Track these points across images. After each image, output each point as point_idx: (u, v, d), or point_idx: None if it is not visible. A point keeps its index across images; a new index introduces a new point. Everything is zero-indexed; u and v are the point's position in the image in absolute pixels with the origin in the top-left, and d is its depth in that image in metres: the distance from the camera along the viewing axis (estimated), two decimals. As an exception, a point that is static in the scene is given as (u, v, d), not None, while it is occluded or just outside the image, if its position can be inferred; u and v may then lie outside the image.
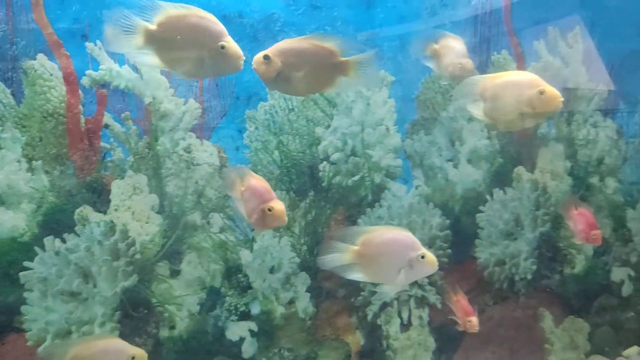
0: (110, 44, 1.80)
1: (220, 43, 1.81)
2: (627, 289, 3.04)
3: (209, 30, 1.82)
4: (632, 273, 3.05)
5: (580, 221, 2.62)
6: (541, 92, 2.08)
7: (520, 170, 3.11)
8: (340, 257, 1.94)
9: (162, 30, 1.79)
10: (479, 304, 3.03)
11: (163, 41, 1.80)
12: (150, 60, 1.85)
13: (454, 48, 2.55)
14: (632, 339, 3.07)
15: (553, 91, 2.09)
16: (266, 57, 1.89)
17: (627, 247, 3.09)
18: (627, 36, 3.51)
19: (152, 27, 1.79)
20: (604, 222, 3.09)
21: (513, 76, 2.25)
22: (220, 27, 1.83)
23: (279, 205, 2.02)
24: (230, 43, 1.82)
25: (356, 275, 1.95)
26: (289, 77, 1.92)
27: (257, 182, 2.09)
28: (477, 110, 2.21)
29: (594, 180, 3.17)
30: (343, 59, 1.95)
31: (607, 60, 3.25)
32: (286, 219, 2.05)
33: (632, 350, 3.03)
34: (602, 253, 3.10)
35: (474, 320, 2.54)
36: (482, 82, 2.20)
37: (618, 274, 3.06)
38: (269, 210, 2.00)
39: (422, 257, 1.89)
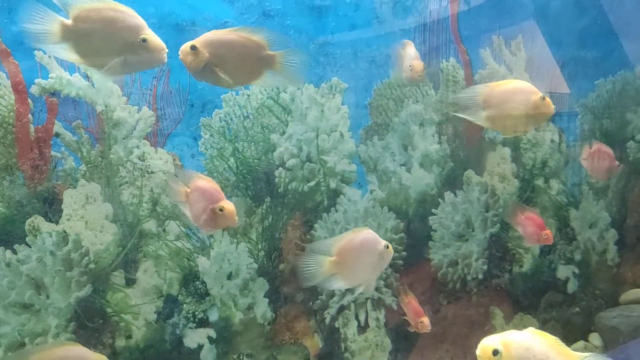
0: (29, 39, 1.74)
1: (141, 36, 1.77)
2: (572, 286, 3.17)
3: (127, 23, 1.77)
4: (577, 270, 3.17)
5: (528, 224, 2.71)
6: (543, 98, 2.24)
7: (470, 173, 3.21)
8: (321, 270, 1.99)
9: (77, 24, 1.74)
10: (433, 304, 3.11)
11: (79, 36, 1.75)
12: (67, 55, 1.79)
13: (408, 52, 2.65)
14: (578, 333, 3.20)
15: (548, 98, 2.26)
16: (193, 47, 1.87)
17: (571, 245, 3.23)
18: (567, 44, 3.68)
19: (68, 21, 1.74)
20: (549, 222, 3.23)
21: (515, 84, 2.36)
22: (139, 20, 1.79)
23: (229, 205, 2.03)
24: (151, 36, 1.78)
25: (338, 285, 2.03)
26: (216, 68, 1.91)
27: (206, 182, 2.09)
28: (479, 118, 2.31)
29: (539, 182, 3.31)
30: (270, 52, 1.95)
31: (548, 67, 3.40)
32: (237, 219, 2.05)
33: (579, 344, 3.15)
34: (548, 252, 3.22)
35: (426, 320, 2.58)
36: (485, 90, 2.29)
37: (563, 271, 3.18)
38: (220, 210, 2.01)
39: (387, 247, 2.01)
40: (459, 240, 3.09)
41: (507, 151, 3.28)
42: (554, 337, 1.55)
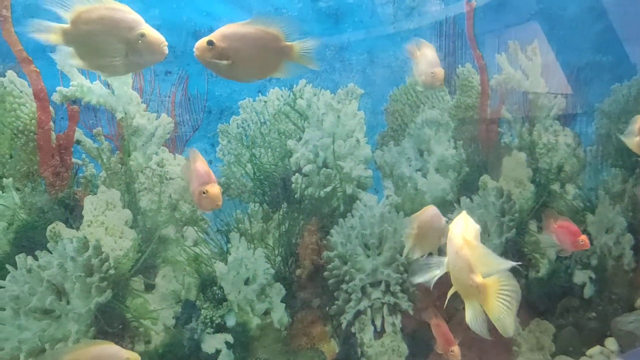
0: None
1: (138, 31, 1.77)
2: (588, 291, 3.15)
3: (124, 20, 1.77)
4: (593, 275, 3.16)
5: (563, 232, 2.69)
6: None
7: (485, 178, 3.21)
8: (409, 242, 2.47)
9: (76, 27, 1.75)
10: (449, 309, 3.09)
11: (79, 38, 1.76)
12: (72, 61, 1.81)
13: (427, 56, 2.63)
14: (595, 338, 3.18)
15: None
16: (210, 42, 1.87)
17: (588, 250, 3.21)
18: (582, 49, 3.67)
19: (67, 26, 1.75)
20: (565, 227, 3.21)
21: None
22: (135, 15, 1.79)
23: (214, 189, 2.09)
24: (149, 30, 1.79)
25: (416, 254, 2.44)
26: (234, 62, 1.90)
27: (200, 164, 2.15)
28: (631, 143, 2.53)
29: (555, 186, 3.29)
30: (287, 43, 1.95)
31: (564, 72, 3.39)
32: (220, 203, 2.12)
33: (595, 349, 3.14)
34: (565, 257, 3.20)
35: (456, 350, 2.51)
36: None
37: (580, 276, 3.17)
38: (204, 193, 2.07)
39: (447, 222, 2.33)
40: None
41: (522, 156, 3.27)
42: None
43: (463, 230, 1.69)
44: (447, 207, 3.16)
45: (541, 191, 3.28)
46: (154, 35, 1.79)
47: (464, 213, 1.79)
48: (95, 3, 1.76)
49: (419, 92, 3.38)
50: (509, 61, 3.29)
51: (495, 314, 1.62)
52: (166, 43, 1.83)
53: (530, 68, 3.31)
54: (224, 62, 1.90)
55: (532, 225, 3.24)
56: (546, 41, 3.34)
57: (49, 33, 1.74)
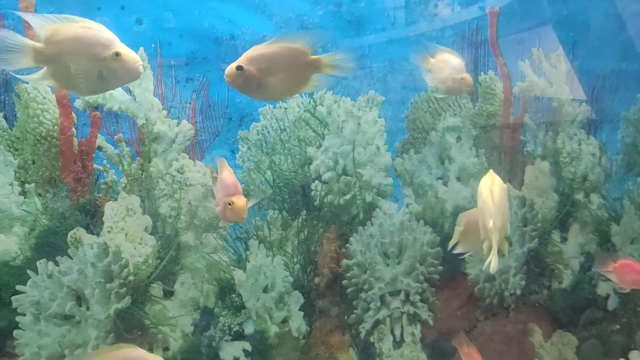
0: (3, 65, 1.74)
1: (113, 50, 1.74)
2: (612, 303, 3.08)
3: (98, 39, 1.74)
4: (617, 287, 3.09)
5: (626, 271, 2.58)
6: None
7: (507, 187, 3.15)
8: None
9: (49, 46, 1.72)
10: (470, 320, 3.06)
11: (53, 58, 1.73)
12: (44, 81, 1.79)
13: (451, 62, 2.58)
14: (618, 351, 3.11)
15: None
16: (239, 67, 1.87)
17: (613, 261, 3.15)
18: (608, 56, 3.61)
19: (39, 45, 1.73)
20: (589, 237, 3.16)
21: None
22: (109, 34, 1.76)
23: (240, 201, 2.07)
24: (124, 49, 1.76)
25: (459, 250, 2.43)
26: (265, 84, 1.90)
27: (227, 175, 2.13)
28: None
29: (579, 196, 3.23)
30: (314, 56, 1.94)
31: (589, 80, 3.34)
32: (245, 215, 2.10)
33: (619, 362, 3.08)
34: (588, 268, 3.14)
35: None
36: None
37: (604, 288, 3.10)
38: (230, 204, 2.04)
39: None
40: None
41: (545, 165, 3.22)
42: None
43: (489, 184, 2.02)
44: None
45: (565, 201, 3.22)
46: (129, 54, 1.77)
47: (491, 171, 2.08)
48: (69, 22, 1.73)
49: (440, 99, 3.34)
50: (532, 68, 3.25)
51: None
52: (141, 62, 1.81)
53: (554, 75, 3.26)
54: (256, 85, 1.90)
55: (555, 235, 3.18)
56: (571, 48, 3.29)
57: (21, 48, 1.71)
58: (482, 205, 2.04)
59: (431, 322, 2.87)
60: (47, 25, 1.72)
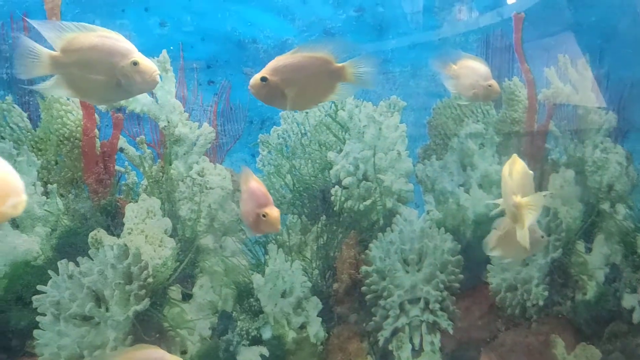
0: (19, 73, 1.74)
1: (131, 60, 1.74)
2: (637, 316, 3.01)
3: (116, 48, 1.74)
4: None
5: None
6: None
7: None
8: (488, 240, 2.49)
9: (66, 54, 1.72)
10: (491, 330, 3.02)
11: (69, 66, 1.73)
12: (58, 91, 1.79)
13: (477, 69, 2.55)
14: (643, 365, 3.05)
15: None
16: (263, 78, 1.86)
17: (638, 273, 3.07)
18: (635, 64, 3.54)
19: (56, 53, 1.72)
20: (615, 248, 3.09)
21: None
22: (127, 43, 1.77)
23: (273, 211, 2.03)
24: (142, 58, 1.76)
25: (495, 254, 2.49)
26: (290, 94, 1.90)
27: (256, 185, 2.09)
28: None
29: (605, 206, 3.17)
30: (338, 64, 1.93)
31: (616, 87, 3.28)
32: (279, 227, 2.06)
33: (643, 377, 3.01)
34: (613, 279, 3.08)
35: None
36: None
37: (629, 300, 3.03)
38: (263, 216, 2.01)
39: (542, 236, 2.41)
40: (518, 264, 2.99)
41: (570, 173, 3.16)
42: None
43: (512, 164, 2.16)
44: (490, 224, 3.08)
45: (590, 210, 3.16)
46: (147, 63, 1.77)
47: (514, 155, 2.20)
48: (87, 31, 1.73)
49: (462, 105, 3.31)
50: (558, 75, 3.19)
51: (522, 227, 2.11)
52: (158, 72, 1.82)
53: (580, 82, 3.20)
54: (280, 95, 1.90)
55: (580, 246, 3.12)
56: (598, 55, 3.23)
57: (38, 56, 1.71)
58: (504, 186, 2.19)
59: (451, 331, 2.83)
60: (64, 34, 1.72)
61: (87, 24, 1.75)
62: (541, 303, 2.92)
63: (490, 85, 2.51)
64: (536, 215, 2.14)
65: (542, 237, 2.39)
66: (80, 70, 1.75)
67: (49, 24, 1.74)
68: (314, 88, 1.96)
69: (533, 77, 3.19)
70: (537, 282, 2.93)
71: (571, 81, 3.21)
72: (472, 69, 2.54)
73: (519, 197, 2.11)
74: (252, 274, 2.78)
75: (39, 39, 1.73)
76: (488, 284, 3.04)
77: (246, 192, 2.10)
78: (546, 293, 2.92)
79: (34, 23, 1.73)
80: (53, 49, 1.75)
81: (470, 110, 3.32)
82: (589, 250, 3.13)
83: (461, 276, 2.93)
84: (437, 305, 2.86)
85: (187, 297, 2.82)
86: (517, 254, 2.45)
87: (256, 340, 2.75)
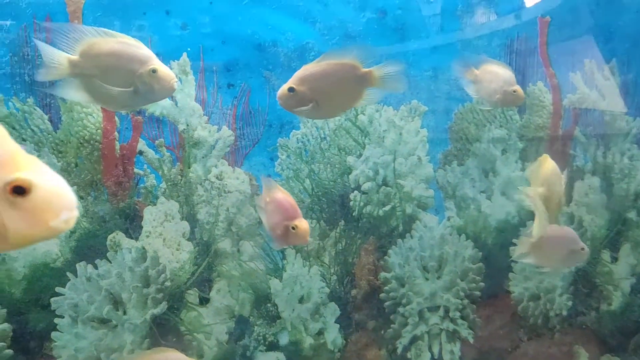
0: (37, 75, 1.75)
1: (150, 67, 1.74)
2: (664, 328, 2.95)
3: (135, 55, 1.75)
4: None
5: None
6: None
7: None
8: (521, 248, 2.40)
9: (85, 59, 1.72)
10: (513, 339, 2.96)
11: (87, 70, 1.74)
12: (75, 94, 1.78)
13: (501, 75, 2.50)
14: (669, 378, 2.97)
15: None
16: (291, 89, 1.85)
17: (665, 283, 3.01)
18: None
19: (75, 57, 1.73)
20: (641, 258, 3.02)
21: None
22: (147, 51, 1.77)
23: (303, 224, 2.00)
24: (160, 66, 1.76)
25: (528, 260, 2.41)
26: (318, 103, 1.89)
27: (283, 196, 2.06)
28: None
29: (631, 215, 3.10)
30: (365, 70, 1.91)
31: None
32: (309, 238, 2.03)
33: (670, 390, 2.93)
34: (640, 290, 3.02)
35: None
36: None
37: (656, 311, 2.97)
38: (293, 228, 1.99)
39: (582, 249, 2.31)
40: (541, 273, 2.93)
41: (596, 180, 3.09)
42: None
43: (542, 162, 2.20)
44: (513, 232, 3.03)
45: (616, 219, 3.09)
46: (165, 71, 1.77)
47: (545, 155, 2.24)
48: (106, 37, 1.73)
49: (484, 110, 3.26)
50: (584, 80, 3.13)
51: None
52: (176, 79, 1.82)
53: (607, 88, 3.13)
54: (309, 105, 1.88)
55: (605, 255, 3.05)
56: (626, 59, 3.15)
57: (56, 59, 1.72)
58: (532, 172, 2.24)
59: (471, 340, 2.78)
60: (84, 38, 1.73)
61: (107, 30, 1.75)
62: (565, 313, 2.87)
63: (515, 91, 2.46)
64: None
65: (583, 249, 2.31)
66: (98, 76, 1.75)
67: (69, 27, 1.75)
68: (342, 95, 1.94)
69: (558, 82, 3.13)
70: (561, 292, 2.87)
71: (597, 86, 3.14)
72: (496, 74, 2.48)
73: (542, 189, 2.15)
74: (270, 279, 2.77)
75: (60, 41, 1.74)
76: (510, 292, 2.98)
77: (272, 204, 2.06)
78: (570, 303, 2.87)
79: (55, 26, 1.74)
80: (72, 53, 1.75)
81: (493, 115, 3.27)
82: (614, 259, 3.06)
83: (482, 284, 2.87)
84: (458, 314, 2.81)
85: (204, 301, 2.81)
86: (553, 262, 2.40)
87: (273, 346, 2.73)
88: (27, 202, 0.95)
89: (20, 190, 0.94)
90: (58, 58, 1.73)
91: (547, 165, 2.20)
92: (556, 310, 2.87)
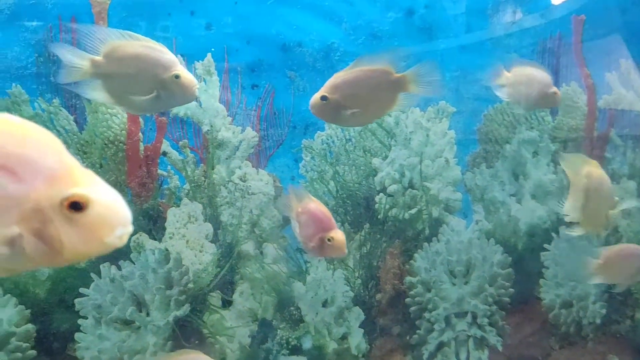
0: (60, 76, 1.74)
1: (173, 73, 1.74)
2: (703, 338, 2.84)
3: (159, 60, 1.75)
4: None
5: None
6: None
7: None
8: (587, 270, 2.38)
9: (108, 61, 1.72)
10: (544, 348, 2.88)
11: (110, 72, 1.74)
12: (97, 95, 1.78)
13: (537, 76, 2.43)
14: None
15: None
16: (323, 97, 1.83)
17: None
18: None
19: (98, 58, 1.73)
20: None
21: None
22: (171, 56, 1.77)
23: (339, 235, 1.95)
24: (183, 72, 1.76)
25: (596, 280, 2.41)
26: (352, 110, 1.86)
27: (316, 207, 2.01)
28: None
29: (669, 220, 2.99)
30: (398, 75, 1.87)
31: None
32: (346, 250, 1.99)
33: None
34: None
35: None
36: None
37: (694, 321, 2.86)
38: (329, 240, 1.94)
39: None
40: (574, 279, 2.84)
41: (632, 184, 2.99)
42: None
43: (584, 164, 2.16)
44: (544, 237, 2.94)
45: (653, 224, 2.98)
46: (188, 77, 1.78)
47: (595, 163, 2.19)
48: (131, 40, 1.74)
49: (516, 112, 3.18)
50: (620, 80, 3.03)
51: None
52: (197, 86, 1.81)
53: (643, 88, 3.04)
54: (342, 112, 1.86)
55: (642, 262, 2.94)
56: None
57: (79, 59, 1.72)
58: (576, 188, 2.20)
59: (500, 348, 2.70)
60: (109, 40, 1.73)
61: (132, 32, 1.76)
62: (598, 321, 2.77)
63: (554, 93, 2.38)
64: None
65: None
66: (121, 78, 1.76)
67: (94, 28, 1.75)
68: (376, 101, 1.90)
69: (593, 83, 3.04)
70: (595, 299, 2.78)
71: (634, 87, 3.04)
72: (533, 76, 2.41)
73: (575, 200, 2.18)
74: (293, 282, 2.74)
75: (85, 42, 1.74)
76: (541, 299, 2.89)
77: (305, 215, 2.01)
78: (604, 311, 2.77)
79: (80, 27, 1.74)
80: (96, 54, 1.75)
81: (524, 117, 3.19)
82: (651, 266, 2.94)
83: (512, 290, 2.79)
84: (486, 320, 2.73)
85: (227, 303, 2.79)
86: (625, 277, 2.40)
87: (296, 350, 2.69)
88: (83, 217, 0.93)
89: (77, 206, 0.92)
90: (80, 58, 1.73)
91: (598, 171, 2.15)
92: (589, 318, 2.78)
